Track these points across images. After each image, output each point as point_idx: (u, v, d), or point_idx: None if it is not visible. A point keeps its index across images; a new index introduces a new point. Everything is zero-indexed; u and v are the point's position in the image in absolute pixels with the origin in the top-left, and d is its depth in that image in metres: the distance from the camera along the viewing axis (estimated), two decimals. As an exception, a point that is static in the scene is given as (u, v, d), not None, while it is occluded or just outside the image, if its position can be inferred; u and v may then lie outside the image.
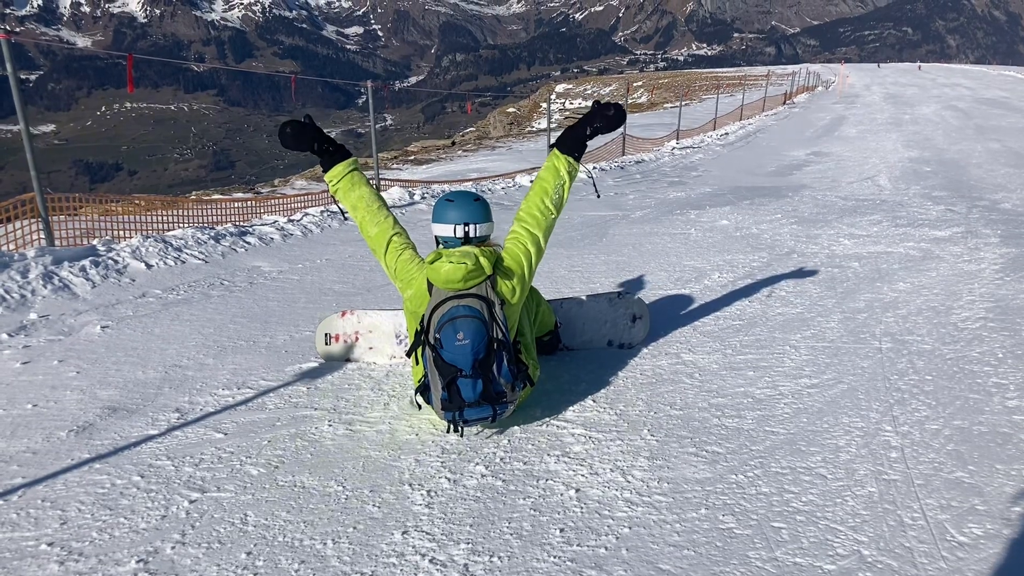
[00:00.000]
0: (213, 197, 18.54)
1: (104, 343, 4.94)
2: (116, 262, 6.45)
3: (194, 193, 21.47)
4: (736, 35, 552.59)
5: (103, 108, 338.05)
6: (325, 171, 3.86)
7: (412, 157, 30.57)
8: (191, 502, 3.05)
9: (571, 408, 3.86)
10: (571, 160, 3.81)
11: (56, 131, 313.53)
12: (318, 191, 11.89)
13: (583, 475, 3.19)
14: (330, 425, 3.72)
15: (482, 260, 3.44)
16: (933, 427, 3.50)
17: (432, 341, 3.41)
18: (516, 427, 3.66)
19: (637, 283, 6.27)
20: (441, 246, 3.75)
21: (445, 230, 3.67)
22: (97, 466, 3.34)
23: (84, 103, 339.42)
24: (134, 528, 2.87)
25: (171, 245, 7.03)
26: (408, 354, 3.73)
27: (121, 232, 7.85)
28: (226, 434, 3.65)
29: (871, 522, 2.77)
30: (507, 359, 3.45)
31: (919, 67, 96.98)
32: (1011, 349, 4.44)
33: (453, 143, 38.69)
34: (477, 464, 3.31)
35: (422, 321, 3.51)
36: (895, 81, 59.01)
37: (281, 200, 10.45)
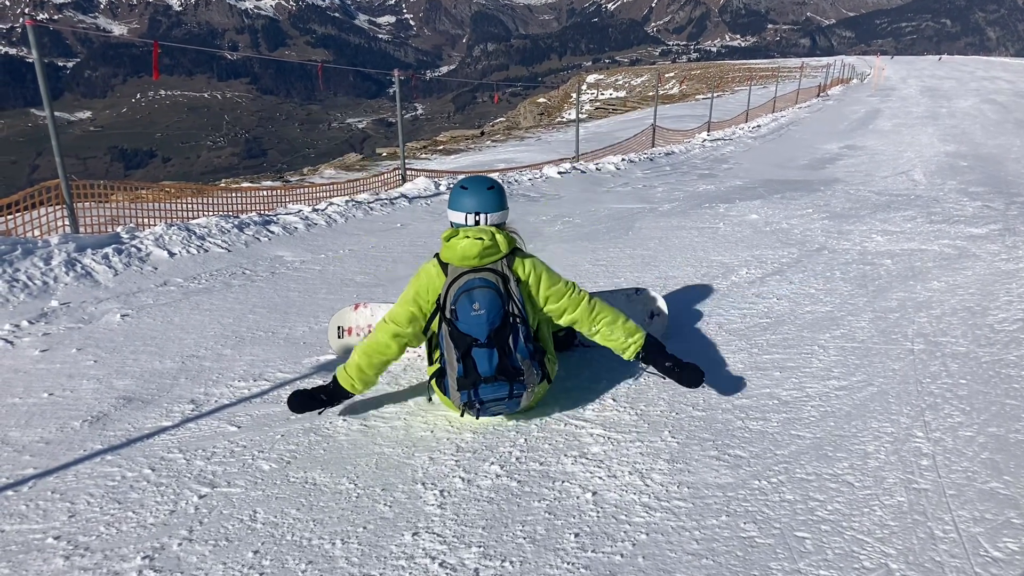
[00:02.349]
0: (242, 185, 18.63)
1: (123, 332, 4.92)
2: (139, 250, 6.44)
3: (223, 181, 21.59)
4: (770, 26, 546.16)
5: (138, 95, 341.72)
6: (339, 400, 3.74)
7: (441, 147, 30.54)
8: (201, 497, 3.00)
9: (590, 407, 3.76)
10: (640, 351, 3.68)
11: (92, 118, 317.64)
12: (344, 180, 11.87)
13: (600, 477, 3.10)
14: (344, 420, 3.66)
15: (499, 236, 3.51)
16: (967, 434, 3.36)
17: (448, 315, 3.43)
18: (533, 425, 3.57)
19: (663, 278, 6.15)
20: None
21: (458, 217, 3.67)
22: (109, 458, 3.31)
23: (120, 90, 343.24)
24: (142, 523, 2.82)
25: (194, 233, 7.01)
26: (424, 331, 3.67)
27: (146, 219, 7.86)
28: (240, 427, 3.60)
29: (900, 534, 2.66)
30: (523, 334, 3.46)
31: (940, 59, 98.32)
32: (1050, 353, 4.28)
33: (482, 133, 38.61)
34: (492, 463, 3.23)
35: (439, 299, 3.52)
36: (932, 74, 57.98)
37: (308, 189, 10.44)
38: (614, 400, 3.84)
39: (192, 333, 4.92)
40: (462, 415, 3.58)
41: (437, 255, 3.62)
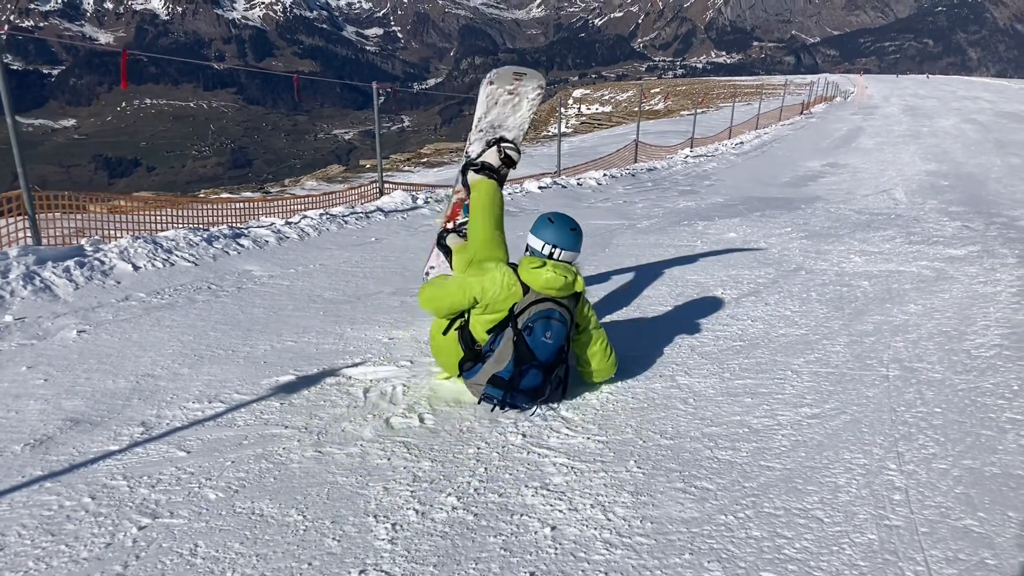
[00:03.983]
0: (221, 196, 18.44)
1: (78, 349, 4.76)
2: (102, 263, 6.27)
3: (203, 191, 21.39)
4: (755, 44, 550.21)
5: (123, 104, 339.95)
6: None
7: (425, 159, 30.42)
8: (140, 528, 2.85)
9: (556, 434, 3.63)
10: None
11: (76, 126, 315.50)
12: (319, 194, 11.71)
13: (561, 511, 2.97)
14: (299, 445, 3.52)
15: (578, 279, 3.91)
16: (941, 466, 3.26)
17: (521, 327, 3.77)
18: (495, 454, 3.44)
19: (637, 299, 6.04)
20: (529, 254, 4.05)
21: (536, 243, 3.98)
22: (48, 485, 3.15)
23: (105, 98, 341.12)
24: (74, 557, 2.67)
25: (161, 246, 6.85)
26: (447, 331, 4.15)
27: (113, 231, 7.69)
28: (189, 452, 3.44)
29: (870, 575, 2.54)
30: (562, 368, 3.95)
31: (927, 77, 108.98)
32: (1027, 381, 4.18)
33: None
34: (449, 495, 3.09)
35: (513, 308, 3.83)
36: (914, 93, 58.44)
37: (285, 201, 10.29)
38: (582, 427, 3.71)
39: (150, 351, 4.75)
40: (479, 401, 3.95)
41: (515, 269, 3.91)
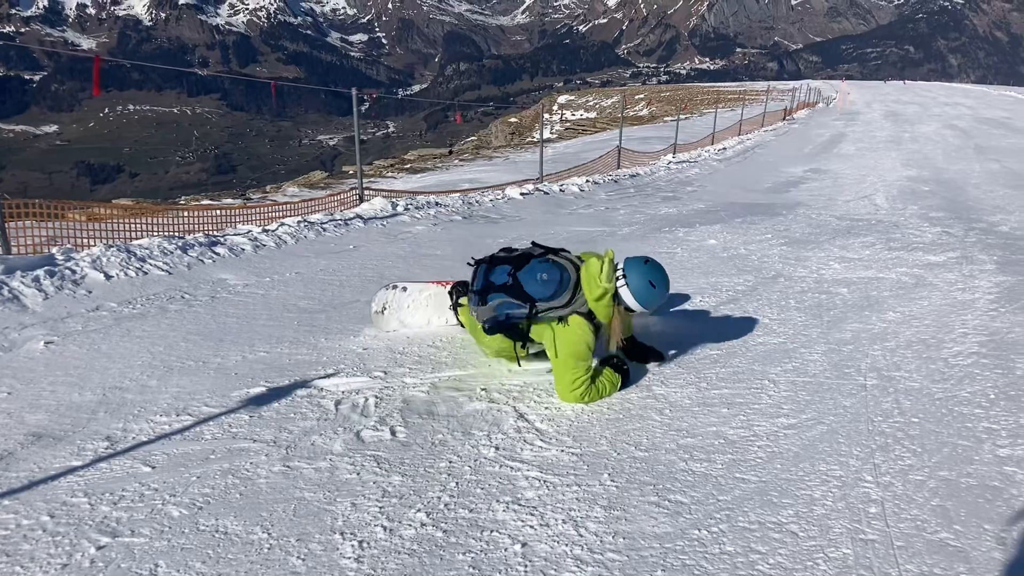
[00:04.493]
0: (202, 203, 18.29)
1: (44, 361, 4.66)
2: (73, 272, 6.17)
3: (183, 198, 21.23)
4: (739, 50, 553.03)
5: (106, 110, 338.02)
6: None
7: (408, 165, 30.33)
8: (99, 548, 2.77)
9: (530, 446, 3.57)
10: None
11: (59, 132, 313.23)
12: (298, 201, 11.62)
13: (532, 526, 2.91)
14: (267, 459, 3.44)
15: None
16: (917, 478, 3.22)
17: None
18: (467, 468, 3.38)
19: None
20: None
21: (628, 297, 4.07)
22: (6, 503, 3.06)
23: (87, 104, 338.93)
24: (29, 579, 2.59)
25: (134, 255, 6.74)
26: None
27: (87, 240, 7.58)
28: (154, 467, 3.37)
29: (843, 591, 2.50)
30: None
31: (904, 83, 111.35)
32: (1004, 389, 4.15)
33: (450, 152, 38.48)
34: (419, 511, 3.03)
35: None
36: (896, 99, 58.85)
37: (264, 208, 10.19)
38: (556, 438, 3.65)
39: (118, 362, 4.66)
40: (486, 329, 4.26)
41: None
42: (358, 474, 3.32)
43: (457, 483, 3.25)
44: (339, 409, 4.00)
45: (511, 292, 4.09)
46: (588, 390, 4.01)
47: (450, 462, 3.43)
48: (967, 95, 66.42)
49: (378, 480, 3.27)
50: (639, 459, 3.43)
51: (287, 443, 3.61)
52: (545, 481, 3.25)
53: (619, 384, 4.19)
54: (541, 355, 4.76)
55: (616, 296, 4.07)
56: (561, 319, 4.04)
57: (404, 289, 5.28)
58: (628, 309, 4.14)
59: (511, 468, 3.36)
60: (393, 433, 3.71)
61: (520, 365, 4.46)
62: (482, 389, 4.25)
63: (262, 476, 3.30)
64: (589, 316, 4.05)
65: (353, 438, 3.66)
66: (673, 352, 4.84)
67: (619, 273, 4.07)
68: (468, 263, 4.52)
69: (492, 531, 2.89)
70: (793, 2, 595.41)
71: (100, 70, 7.33)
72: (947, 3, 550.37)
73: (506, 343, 4.34)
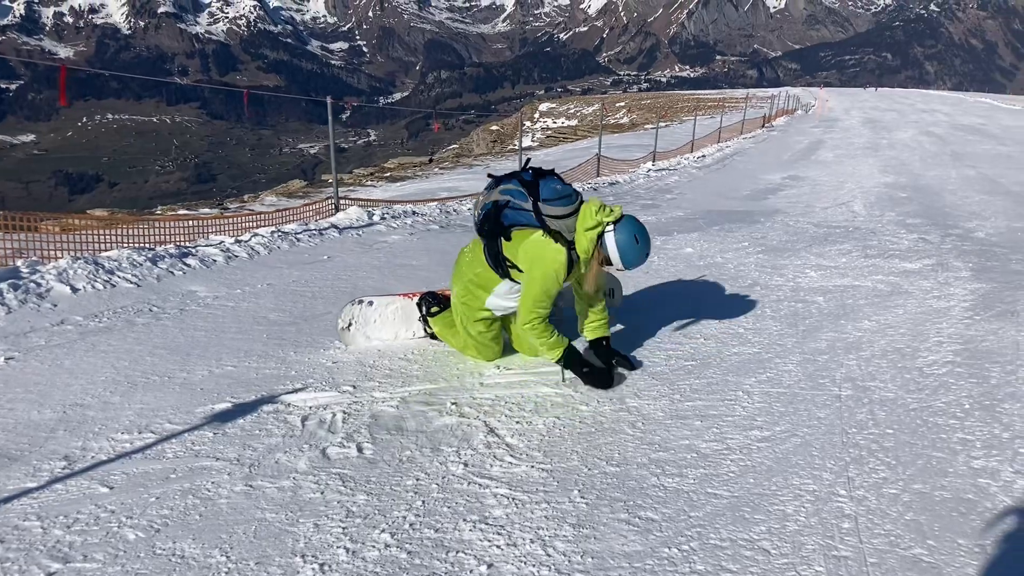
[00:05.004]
0: (178, 213, 18.09)
1: (4, 377, 4.53)
2: (38, 285, 6.04)
3: (160, 208, 21.02)
4: (719, 58, 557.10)
5: (84, 119, 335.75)
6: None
7: (388, 174, 30.21)
8: (48, 575, 2.67)
9: (499, 462, 3.50)
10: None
11: (36, 141, 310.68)
12: (272, 210, 11.50)
13: (499, 546, 2.84)
14: (229, 479, 3.35)
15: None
16: (891, 491, 3.17)
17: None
18: (435, 485, 3.30)
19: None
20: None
21: (612, 252, 4.16)
22: (-45, 528, 2.95)
23: (65, 113, 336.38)
24: (-27, 609, 2.49)
25: (103, 267, 6.62)
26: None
27: (55, 252, 7.43)
28: (112, 488, 3.26)
29: (815, 611, 2.44)
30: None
31: (876, 89, 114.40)
32: (978, 399, 4.12)
33: (431, 160, 38.41)
34: (383, 531, 2.95)
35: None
36: (874, 106, 59.35)
37: (238, 218, 10.07)
38: (526, 454, 3.58)
39: (81, 378, 4.55)
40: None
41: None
42: (322, 493, 3.23)
43: (424, 501, 3.17)
44: (306, 425, 3.91)
45: (525, 185, 4.29)
46: (543, 326, 4.26)
47: (417, 480, 3.35)
48: (944, 102, 67.12)
49: (342, 499, 3.19)
50: (610, 474, 3.37)
51: (251, 461, 3.51)
52: (514, 499, 3.17)
53: (562, 357, 4.34)
54: (513, 368, 4.70)
55: (601, 240, 4.16)
56: (546, 233, 4.20)
57: (370, 303, 5.19)
58: (607, 261, 4.21)
59: (479, 485, 3.29)
60: (360, 450, 3.63)
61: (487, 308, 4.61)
62: (452, 403, 4.17)
63: (223, 496, 3.21)
64: (570, 248, 4.18)
65: (319, 455, 3.57)
66: (647, 363, 4.78)
67: (611, 221, 4.16)
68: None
69: (458, 552, 2.81)
70: (772, 10, 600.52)
71: (67, 80, 7.21)
72: (923, 11, 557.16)
73: (484, 278, 4.51)
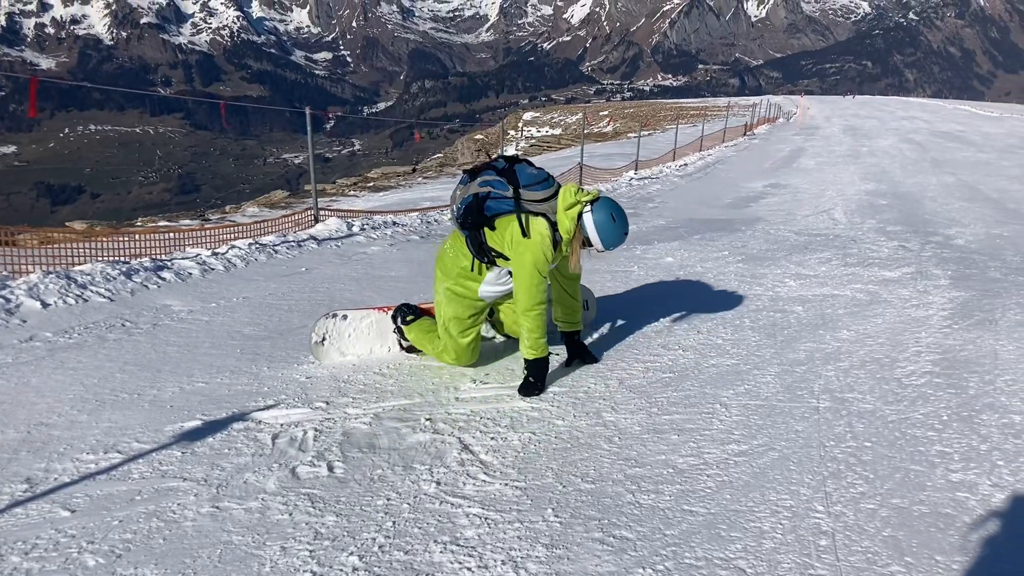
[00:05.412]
0: (159, 225, 17.95)
1: (-32, 397, 4.43)
2: (7, 301, 5.93)
3: (140, 219, 20.87)
4: (701, 66, 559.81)
5: (66, 130, 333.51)
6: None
7: (371, 183, 30.14)
8: (3, 605, 2.59)
9: (473, 480, 3.43)
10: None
11: (17, 152, 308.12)
12: (250, 222, 11.40)
13: (470, 568, 2.77)
14: (196, 500, 3.27)
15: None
16: (869, 506, 3.13)
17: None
18: (406, 505, 3.23)
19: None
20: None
21: (592, 232, 4.32)
22: (-91, 556, 2.86)
23: (47, 124, 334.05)
24: (-77, 642, 2.40)
25: (75, 282, 6.52)
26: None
27: (26, 266, 7.32)
28: (74, 511, 3.18)
29: (790, 633, 2.39)
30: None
31: (853, 97, 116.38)
32: (956, 410, 4.09)
33: (414, 170, 38.34)
34: (351, 554, 2.88)
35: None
36: (855, 113, 59.76)
37: (219, 230, 9.96)
38: (500, 471, 3.52)
39: (48, 396, 4.45)
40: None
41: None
42: (290, 515, 3.16)
43: (394, 522, 3.10)
44: (276, 443, 3.83)
45: (502, 174, 4.41)
46: (542, 320, 4.41)
47: (388, 499, 3.28)
48: (923, 109, 67.72)
49: (311, 521, 3.11)
50: (585, 492, 3.31)
51: (218, 481, 3.43)
52: (486, 518, 3.11)
53: (536, 360, 4.47)
54: (489, 382, 4.65)
55: (580, 222, 4.32)
56: (529, 215, 4.32)
57: (344, 317, 5.12)
58: (587, 242, 4.38)
59: (452, 505, 3.22)
60: (331, 469, 3.55)
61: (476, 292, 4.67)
62: (427, 419, 4.10)
63: (189, 518, 3.13)
64: (553, 228, 4.32)
65: (288, 475, 3.50)
66: (624, 375, 4.74)
67: (588, 201, 4.31)
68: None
69: (427, 574, 2.74)
70: (753, 19, 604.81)
71: (43, 91, 7.12)
72: (902, 20, 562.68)
73: (465, 263, 4.60)
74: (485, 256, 4.51)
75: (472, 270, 4.60)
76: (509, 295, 4.69)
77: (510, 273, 4.49)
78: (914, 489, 3.27)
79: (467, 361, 4.80)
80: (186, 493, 3.33)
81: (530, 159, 4.68)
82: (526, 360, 4.48)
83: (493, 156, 4.76)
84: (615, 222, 4.30)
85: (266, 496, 3.31)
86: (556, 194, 4.40)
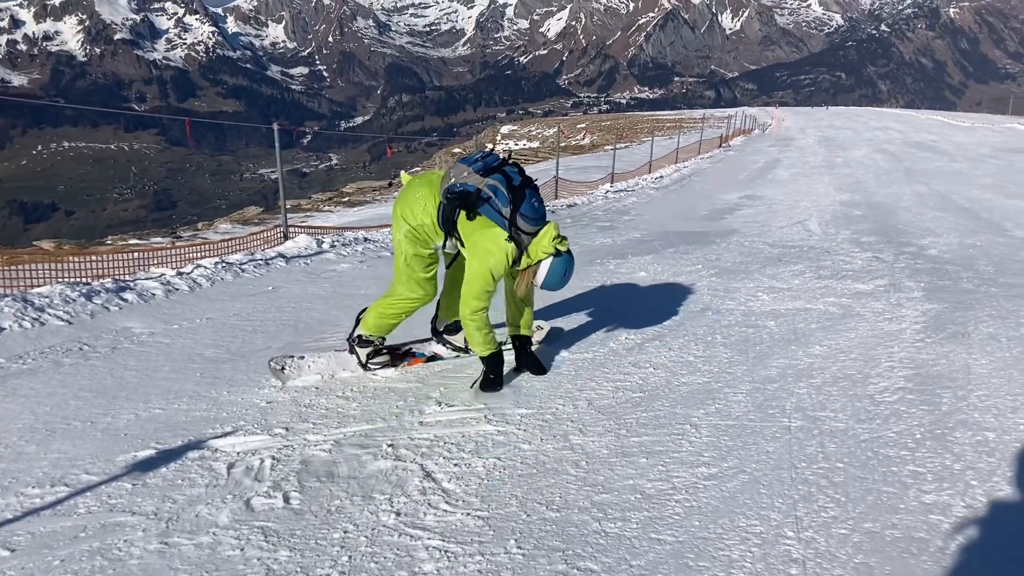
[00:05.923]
0: (130, 243, 17.68)
1: (-88, 428, 4.25)
2: (-40, 326, 5.75)
3: (110, 238, 20.58)
4: (677, 79, 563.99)
5: (39, 147, 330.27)
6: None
7: (347, 198, 29.94)
8: (-71, 656, 2.43)
9: (434, 510, 3.31)
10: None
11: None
12: (218, 240, 11.22)
13: (426, 606, 2.65)
14: (143, 536, 3.12)
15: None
16: (841, 531, 3.04)
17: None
18: (363, 538, 3.10)
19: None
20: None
21: (542, 275, 4.62)
22: None
23: (19, 142, 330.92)
24: None
25: (32, 304, 6.34)
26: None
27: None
28: (14, 551, 3.02)
29: (759, 671, 2.28)
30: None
31: (828, 108, 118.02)
32: (930, 428, 4.02)
33: (390, 184, 38.14)
34: (303, 592, 2.75)
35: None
36: (829, 124, 60.29)
37: (192, 247, 9.78)
38: (463, 500, 3.40)
39: (-4, 426, 4.28)
40: None
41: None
42: (242, 550, 3.02)
43: (350, 557, 2.97)
44: (231, 473, 3.69)
45: (511, 190, 4.53)
46: (485, 320, 4.71)
47: (345, 532, 3.15)
48: (897, 119, 68.46)
49: (263, 556, 2.98)
50: (550, 520, 3.20)
51: (169, 515, 3.29)
52: (446, 551, 2.99)
53: (490, 356, 4.78)
54: (455, 404, 4.53)
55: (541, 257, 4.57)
56: (500, 230, 4.53)
57: (302, 358, 5.07)
58: (534, 272, 4.65)
59: (411, 537, 3.10)
60: (287, 500, 3.42)
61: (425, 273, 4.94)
62: (389, 445, 3.98)
63: (135, 556, 2.99)
64: (520, 251, 4.58)
65: (242, 507, 3.36)
66: (593, 395, 4.63)
67: (555, 249, 4.54)
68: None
69: (382, 614, 2.62)
70: (728, 32, 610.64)
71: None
72: (875, 31, 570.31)
73: (428, 220, 4.75)
74: (448, 229, 4.71)
75: (434, 229, 4.80)
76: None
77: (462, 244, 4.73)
78: (886, 512, 3.19)
79: (432, 294, 5.03)
80: (134, 528, 3.19)
81: (533, 180, 4.82)
82: (481, 358, 4.76)
83: (510, 156, 4.98)
84: (563, 276, 4.64)
85: (218, 530, 3.17)
86: (536, 234, 4.58)
